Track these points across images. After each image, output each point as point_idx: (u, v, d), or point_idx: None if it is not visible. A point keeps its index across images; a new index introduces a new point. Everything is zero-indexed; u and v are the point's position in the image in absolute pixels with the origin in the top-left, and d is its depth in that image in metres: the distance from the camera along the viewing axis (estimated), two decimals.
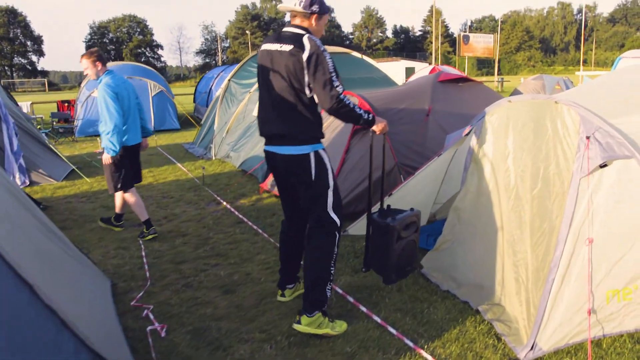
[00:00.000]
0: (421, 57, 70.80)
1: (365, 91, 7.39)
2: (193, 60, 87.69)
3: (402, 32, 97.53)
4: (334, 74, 3.02)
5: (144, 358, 2.98)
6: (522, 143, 3.50)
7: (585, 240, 2.84)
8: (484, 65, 77.11)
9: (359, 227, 4.85)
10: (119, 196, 5.43)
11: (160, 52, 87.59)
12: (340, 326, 3.21)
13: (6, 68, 75.52)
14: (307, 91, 3.06)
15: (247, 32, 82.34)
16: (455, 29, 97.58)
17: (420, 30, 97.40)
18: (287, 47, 3.06)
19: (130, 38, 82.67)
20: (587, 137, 3.07)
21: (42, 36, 78.16)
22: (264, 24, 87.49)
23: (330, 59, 3.03)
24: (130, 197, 5.22)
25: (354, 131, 5.55)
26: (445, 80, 6.10)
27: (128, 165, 5.16)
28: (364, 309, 3.44)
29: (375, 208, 3.81)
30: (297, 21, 3.18)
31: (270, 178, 6.66)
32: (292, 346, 3.08)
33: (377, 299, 3.60)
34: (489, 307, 3.35)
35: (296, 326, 3.15)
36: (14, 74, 75.80)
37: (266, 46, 3.22)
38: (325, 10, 3.20)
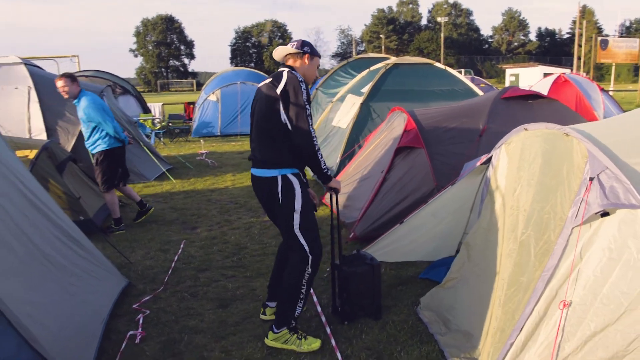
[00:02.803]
0: (567, 63, 65.08)
1: (442, 104, 7.01)
2: (329, 63, 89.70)
3: (547, 35, 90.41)
4: (307, 108, 3.17)
5: None
6: (529, 179, 3.08)
7: (560, 302, 2.41)
8: None
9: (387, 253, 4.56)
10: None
11: None
12: (310, 344, 3.25)
13: (163, 70, 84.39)
14: (287, 122, 3.20)
15: (381, 35, 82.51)
16: (609, 30, 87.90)
17: (568, 33, 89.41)
18: (267, 81, 3.33)
19: (270, 42, 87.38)
20: (591, 179, 2.61)
21: (193, 41, 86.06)
22: (399, 28, 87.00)
23: (305, 90, 3.20)
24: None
25: (397, 150, 5.30)
26: (511, 97, 5.55)
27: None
28: (333, 342, 3.28)
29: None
30: (290, 62, 3.41)
31: None
32: None
33: (354, 333, 3.41)
34: None
35: (265, 340, 3.31)
36: (169, 75, 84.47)
37: (260, 83, 3.49)
38: (315, 53, 3.44)
